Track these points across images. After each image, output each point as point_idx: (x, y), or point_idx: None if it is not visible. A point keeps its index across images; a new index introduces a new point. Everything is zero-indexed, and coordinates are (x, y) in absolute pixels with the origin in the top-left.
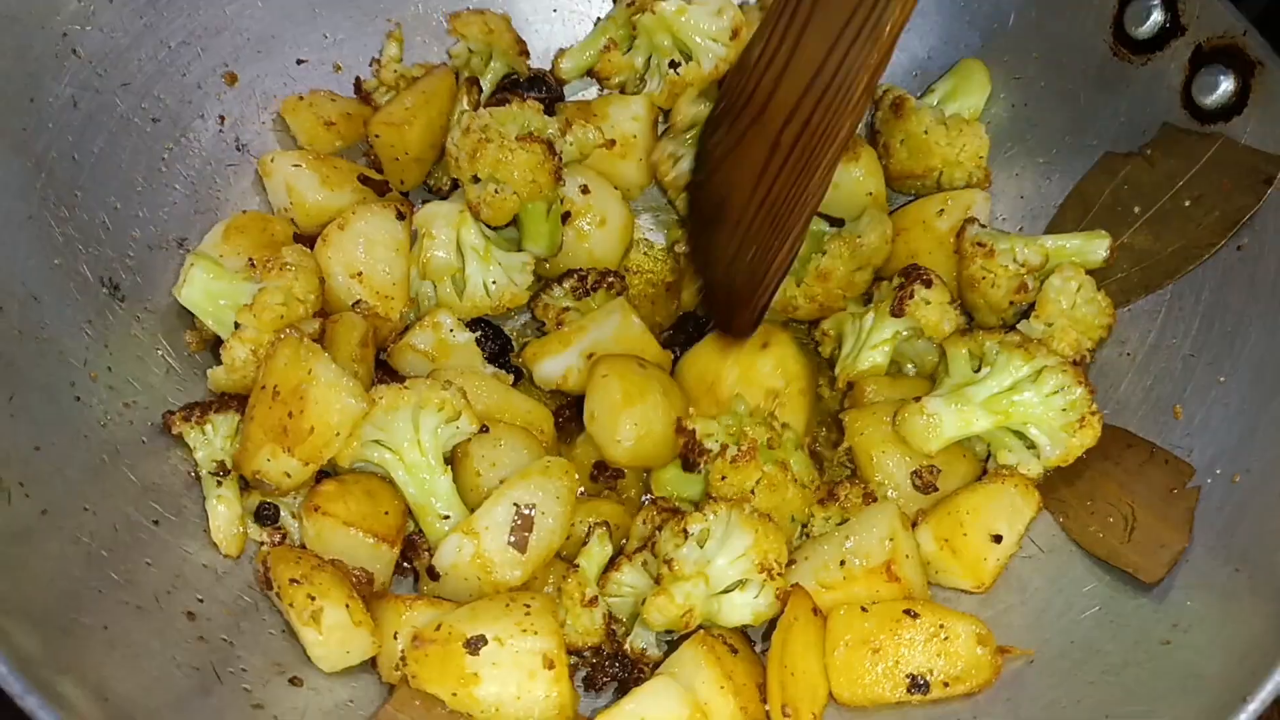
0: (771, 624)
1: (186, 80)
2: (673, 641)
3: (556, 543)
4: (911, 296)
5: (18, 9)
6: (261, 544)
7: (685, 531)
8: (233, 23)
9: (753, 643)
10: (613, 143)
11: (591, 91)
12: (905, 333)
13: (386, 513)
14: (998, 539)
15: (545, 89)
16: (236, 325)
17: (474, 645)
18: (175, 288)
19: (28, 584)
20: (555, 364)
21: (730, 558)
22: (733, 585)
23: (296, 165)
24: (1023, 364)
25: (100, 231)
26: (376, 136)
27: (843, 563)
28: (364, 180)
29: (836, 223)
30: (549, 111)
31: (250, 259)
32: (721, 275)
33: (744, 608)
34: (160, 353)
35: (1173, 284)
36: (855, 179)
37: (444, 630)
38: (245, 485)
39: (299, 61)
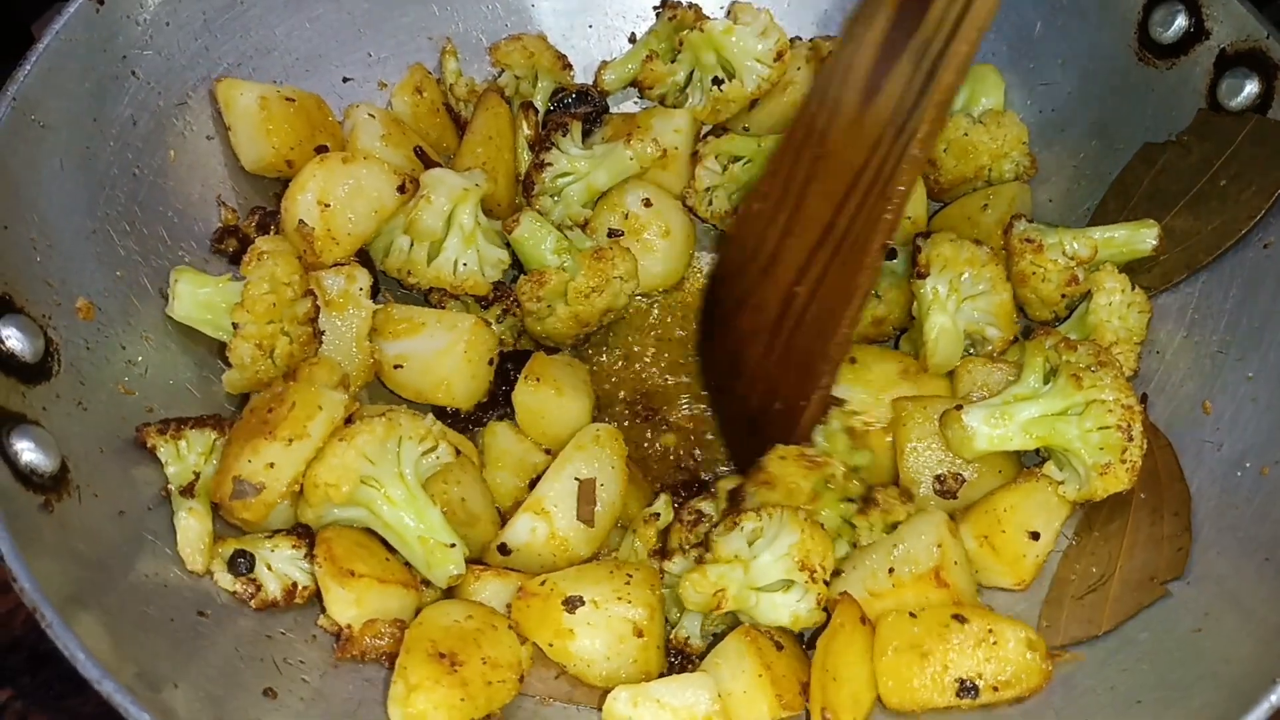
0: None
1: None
2: (720, 634)
3: (618, 510)
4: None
5: (81, 34)
6: (234, 593)
7: (736, 524)
8: (282, 43)
9: (805, 646)
10: (664, 153)
11: (629, 104)
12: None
13: (388, 559)
14: (1035, 536)
15: (591, 102)
16: (235, 326)
17: (571, 604)
18: (167, 308)
19: (102, 579)
20: (393, 346)
21: (775, 555)
22: (776, 586)
23: (370, 115)
24: (1075, 393)
25: (159, 244)
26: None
27: (891, 570)
28: (419, 152)
29: (888, 254)
30: (595, 123)
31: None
32: (744, 424)
33: (783, 608)
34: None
35: (1213, 260)
36: None
37: (547, 586)
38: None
39: (345, 80)
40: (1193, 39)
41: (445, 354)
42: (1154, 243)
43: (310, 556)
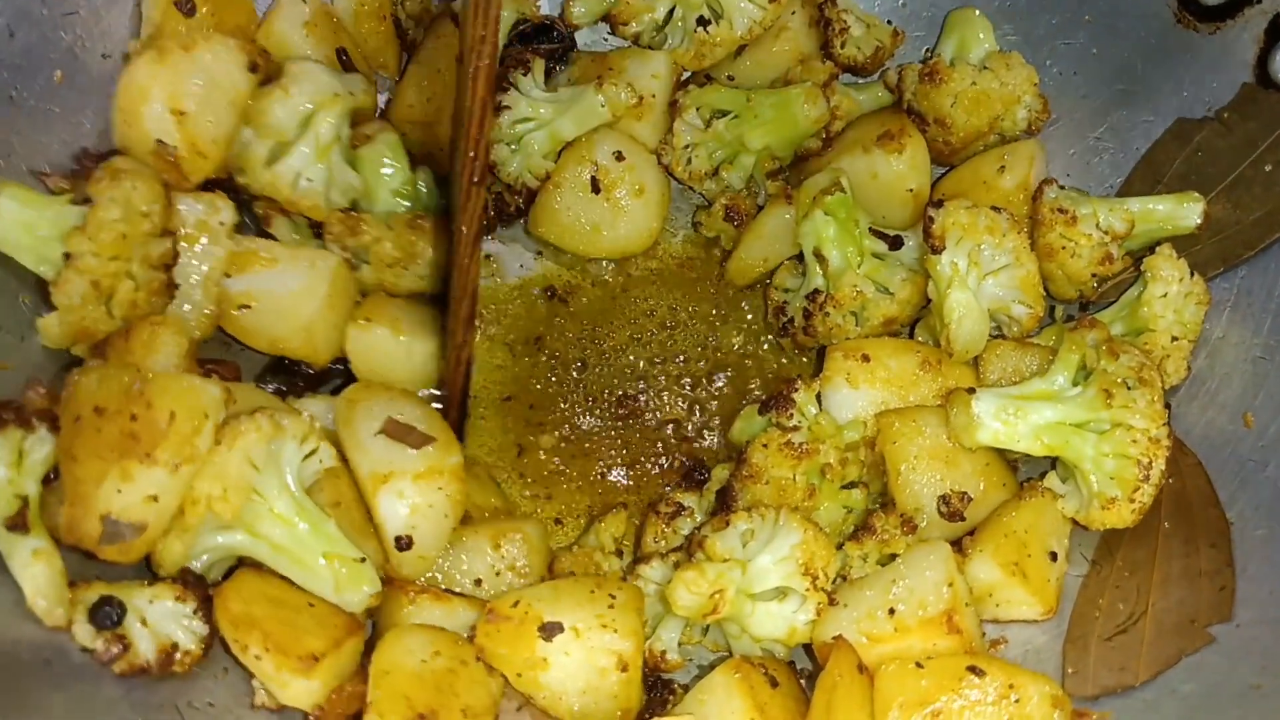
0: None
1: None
2: (705, 667)
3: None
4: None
5: None
6: (91, 651)
7: (727, 522)
8: None
9: (799, 676)
10: (640, 100)
11: (599, 41)
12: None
13: (312, 604)
14: (1054, 557)
15: (556, 37)
16: (67, 257)
17: (549, 632)
18: None
19: None
20: (237, 283)
21: (775, 557)
22: (772, 595)
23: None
24: (1102, 408)
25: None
26: (404, 135)
27: (892, 611)
28: (341, 54)
29: (894, 243)
30: (561, 62)
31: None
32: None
33: (780, 619)
34: None
35: (1253, 255)
36: (896, 173)
37: (521, 608)
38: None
39: None
40: (1243, 1)
41: (304, 296)
42: (1198, 220)
43: (202, 615)
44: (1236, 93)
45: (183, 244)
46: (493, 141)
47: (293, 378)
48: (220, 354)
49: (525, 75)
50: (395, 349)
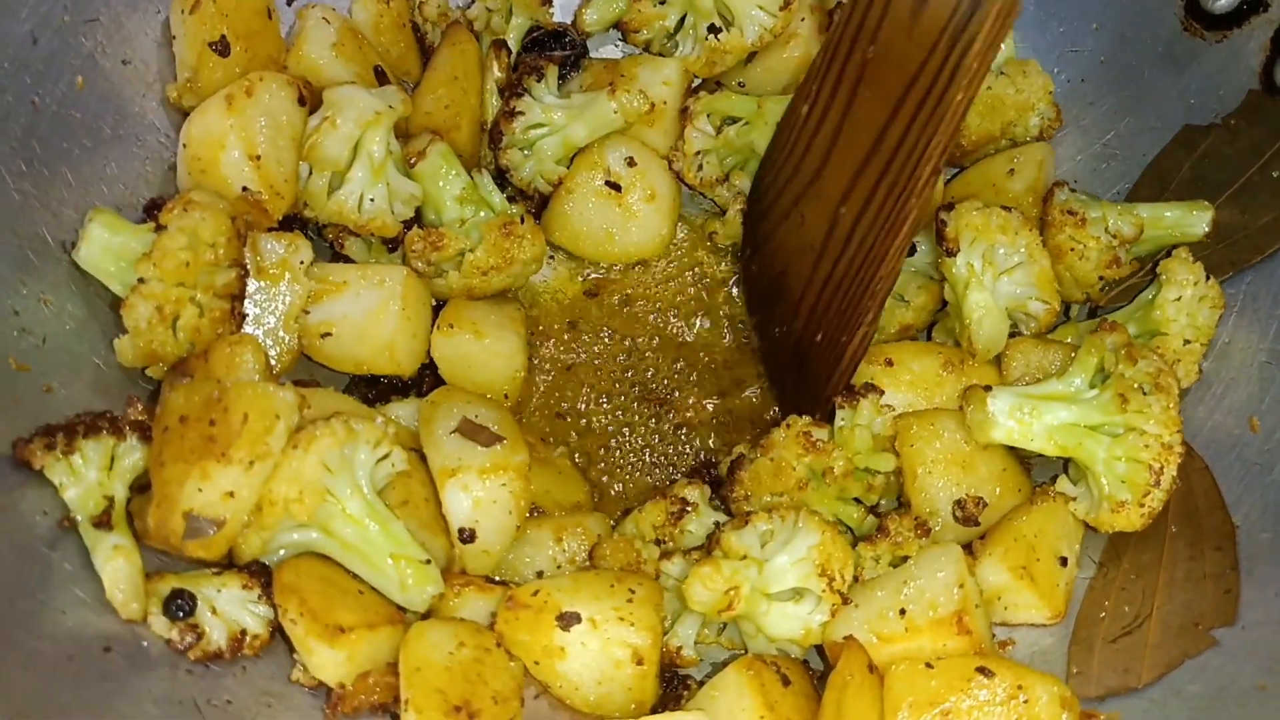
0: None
1: (163, 17)
2: (720, 664)
3: (510, 416)
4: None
5: None
6: (169, 642)
7: (746, 521)
8: None
9: (814, 677)
10: (652, 107)
11: (610, 48)
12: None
13: (361, 592)
14: (1064, 562)
15: (569, 44)
16: (140, 282)
17: (566, 621)
18: (73, 253)
19: None
20: (314, 313)
21: (793, 557)
22: (788, 595)
23: (325, 20)
24: (1117, 412)
25: (62, 188)
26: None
27: (903, 612)
28: (379, 72)
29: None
30: (574, 69)
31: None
32: (788, 355)
33: (794, 620)
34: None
35: (1260, 261)
36: None
37: (540, 597)
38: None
39: (289, 1)
40: (1249, 9)
41: (380, 314)
42: (1207, 227)
43: (266, 599)
44: (1243, 100)
45: (266, 282)
46: (515, 146)
47: (379, 385)
48: (311, 374)
49: (539, 81)
50: (479, 352)
